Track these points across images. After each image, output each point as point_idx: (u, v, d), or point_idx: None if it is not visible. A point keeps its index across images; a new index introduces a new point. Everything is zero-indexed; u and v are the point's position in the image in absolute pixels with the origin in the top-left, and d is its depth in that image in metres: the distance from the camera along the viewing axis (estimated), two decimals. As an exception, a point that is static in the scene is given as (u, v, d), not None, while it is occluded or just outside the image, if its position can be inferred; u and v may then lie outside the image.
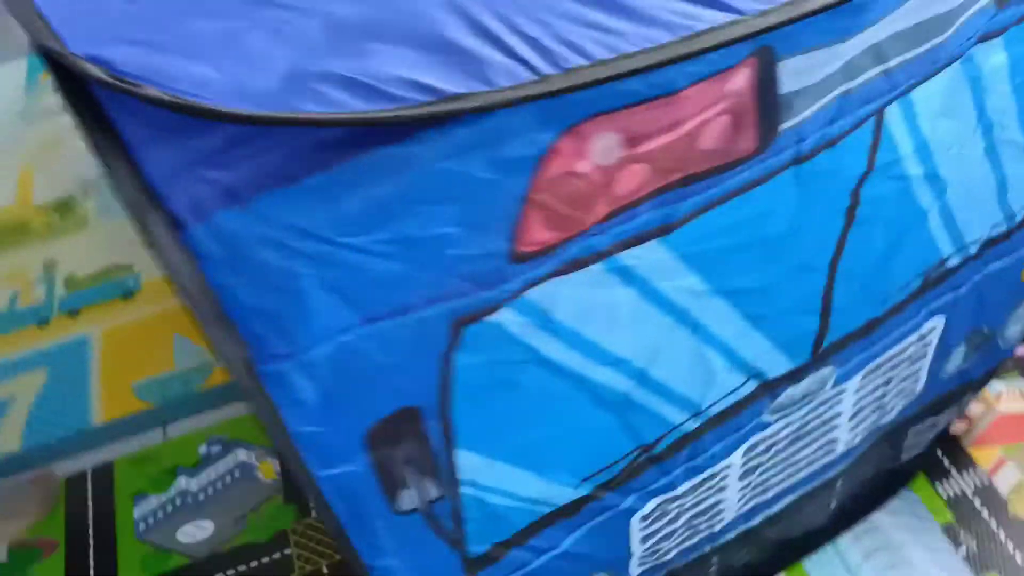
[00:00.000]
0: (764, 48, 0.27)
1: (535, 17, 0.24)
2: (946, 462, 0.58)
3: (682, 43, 0.24)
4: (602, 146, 0.26)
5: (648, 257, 0.29)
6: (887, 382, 0.45)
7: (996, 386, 0.62)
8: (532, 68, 0.24)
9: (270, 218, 0.24)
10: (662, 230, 0.29)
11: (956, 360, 0.49)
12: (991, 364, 0.51)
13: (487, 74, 0.24)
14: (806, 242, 0.33)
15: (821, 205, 0.32)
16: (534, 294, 0.28)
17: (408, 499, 0.31)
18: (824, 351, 0.39)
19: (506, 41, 0.24)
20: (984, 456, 0.58)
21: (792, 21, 0.25)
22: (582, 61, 0.24)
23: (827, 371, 0.41)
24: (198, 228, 0.24)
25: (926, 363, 0.47)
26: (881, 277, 0.37)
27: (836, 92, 0.29)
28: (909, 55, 0.30)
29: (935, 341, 0.45)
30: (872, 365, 0.43)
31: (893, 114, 0.31)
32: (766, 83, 0.27)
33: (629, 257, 0.29)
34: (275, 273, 0.25)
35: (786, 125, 0.28)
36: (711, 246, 0.30)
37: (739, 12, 0.25)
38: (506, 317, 0.28)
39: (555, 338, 0.30)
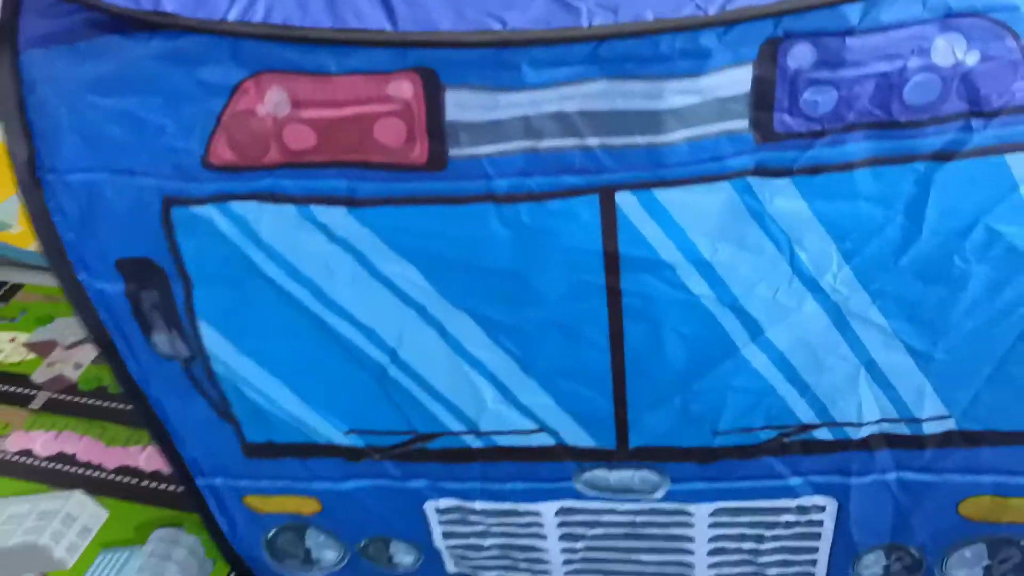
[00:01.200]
0: (426, 69, 0.30)
1: None
2: None
3: (328, 32, 0.29)
4: (275, 99, 0.31)
5: (341, 223, 0.33)
6: (758, 539, 0.43)
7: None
8: (226, 13, 0.30)
9: (55, 65, 0.33)
10: (348, 201, 0.32)
11: (873, 568, 0.44)
12: (933, 596, 0.44)
13: (199, 6, 0.30)
14: (549, 297, 0.34)
15: (553, 263, 0.33)
16: (239, 208, 0.34)
17: (162, 343, 0.39)
18: (639, 450, 0.39)
19: None
20: None
21: (423, 44, 0.28)
22: (259, 20, 0.29)
23: (652, 476, 0.40)
24: (25, 55, 0.34)
25: (823, 547, 0.43)
26: (692, 397, 0.37)
27: (518, 144, 0.30)
28: (612, 141, 0.30)
29: (829, 526, 0.42)
30: (726, 505, 0.41)
31: (629, 204, 0.31)
32: (432, 103, 0.30)
33: (321, 213, 0.33)
34: (48, 104, 0.34)
35: (457, 153, 0.31)
36: (418, 244, 0.33)
37: (395, 26, 0.29)
38: (214, 215, 0.34)
39: (272, 261, 0.35)
